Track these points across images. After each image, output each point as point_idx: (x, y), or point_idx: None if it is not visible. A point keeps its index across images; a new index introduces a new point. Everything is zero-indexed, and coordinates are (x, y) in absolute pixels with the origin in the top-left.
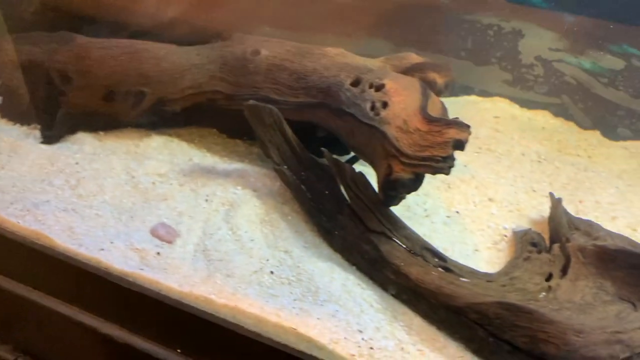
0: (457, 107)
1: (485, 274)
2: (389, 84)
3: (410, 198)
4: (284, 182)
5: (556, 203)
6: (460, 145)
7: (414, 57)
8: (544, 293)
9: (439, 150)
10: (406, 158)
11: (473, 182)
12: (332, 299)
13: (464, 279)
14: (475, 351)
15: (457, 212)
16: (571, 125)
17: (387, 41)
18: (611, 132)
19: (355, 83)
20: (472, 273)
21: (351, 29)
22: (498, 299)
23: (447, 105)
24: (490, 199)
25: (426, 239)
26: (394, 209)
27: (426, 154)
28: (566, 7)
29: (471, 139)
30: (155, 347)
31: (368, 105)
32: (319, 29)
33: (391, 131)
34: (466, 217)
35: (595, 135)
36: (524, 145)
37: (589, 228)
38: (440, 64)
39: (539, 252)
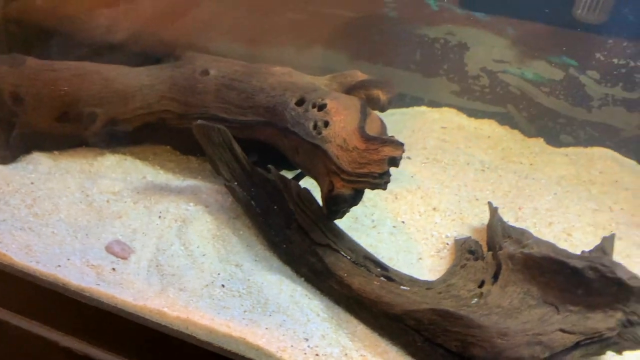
0: (407, 117)
1: (425, 282)
2: (330, 103)
3: (359, 210)
4: (235, 198)
5: (493, 212)
6: (394, 162)
7: (359, 75)
8: (476, 299)
9: (375, 167)
10: (346, 175)
11: (419, 192)
12: (281, 310)
13: (404, 287)
14: (413, 355)
15: (403, 222)
16: (516, 133)
17: (341, 54)
18: (554, 139)
19: (300, 102)
20: (413, 281)
21: (307, 42)
22: (432, 306)
23: (398, 116)
24: (434, 209)
25: (373, 249)
26: (344, 220)
27: (364, 170)
28: (509, 14)
29: (419, 149)
30: (114, 358)
31: (311, 125)
32: (278, 42)
33: (332, 149)
34: (411, 226)
35: (538, 143)
36: (469, 155)
37: (520, 236)
38: (384, 81)
39: (476, 259)
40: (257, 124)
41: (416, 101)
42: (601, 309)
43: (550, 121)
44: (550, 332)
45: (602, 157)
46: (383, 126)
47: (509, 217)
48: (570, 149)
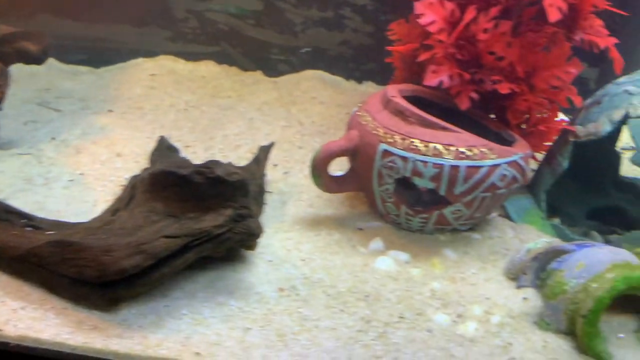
0: (118, 72)
1: (75, 224)
2: None
3: (34, 170)
4: None
5: (158, 144)
6: None
7: (3, 29)
8: (106, 226)
9: None
10: None
11: (105, 142)
12: None
13: (50, 232)
14: (50, 290)
15: (82, 174)
16: (234, 69)
17: (51, 16)
18: (272, 70)
19: None
20: (62, 225)
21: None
22: (47, 240)
23: (110, 72)
24: (118, 155)
25: (39, 205)
26: (16, 183)
27: None
28: None
29: (124, 100)
30: None
31: None
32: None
33: None
34: (90, 176)
35: (255, 75)
36: (176, 97)
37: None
38: (32, 32)
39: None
40: None
41: (133, 54)
42: (215, 210)
43: (264, 52)
44: (153, 241)
45: (309, 79)
46: (4, 76)
47: (199, 148)
48: (281, 77)
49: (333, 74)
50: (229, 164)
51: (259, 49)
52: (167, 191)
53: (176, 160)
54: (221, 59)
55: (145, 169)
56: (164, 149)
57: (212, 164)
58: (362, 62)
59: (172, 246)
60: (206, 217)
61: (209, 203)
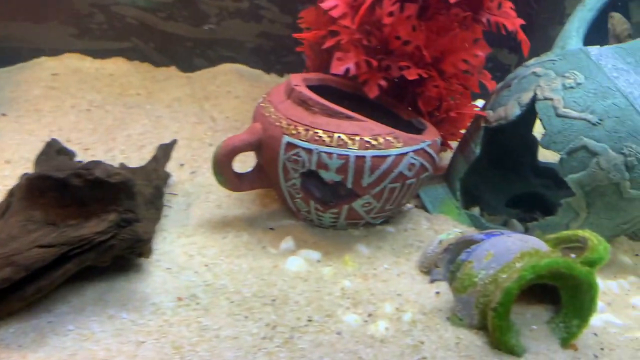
0: (17, 73)
1: None
2: None
3: None
4: None
5: (47, 146)
6: None
7: None
8: None
9: None
10: None
11: None
12: None
13: None
14: None
15: None
16: (146, 66)
17: None
18: (188, 65)
19: None
20: None
21: None
22: None
23: (8, 73)
24: (7, 162)
25: None
26: None
27: None
28: None
29: (21, 103)
30: None
31: None
32: None
33: None
34: None
35: (168, 71)
36: (78, 98)
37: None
38: None
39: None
40: None
41: (36, 53)
42: (98, 216)
43: (179, 47)
44: (26, 251)
45: (225, 72)
46: None
47: (99, 151)
48: (200, 72)
49: (252, 67)
50: (121, 165)
51: (172, 44)
52: (45, 197)
53: (57, 164)
54: (132, 55)
55: (24, 175)
56: (53, 152)
57: (92, 164)
58: (282, 54)
59: (47, 256)
60: (88, 223)
61: (91, 208)
